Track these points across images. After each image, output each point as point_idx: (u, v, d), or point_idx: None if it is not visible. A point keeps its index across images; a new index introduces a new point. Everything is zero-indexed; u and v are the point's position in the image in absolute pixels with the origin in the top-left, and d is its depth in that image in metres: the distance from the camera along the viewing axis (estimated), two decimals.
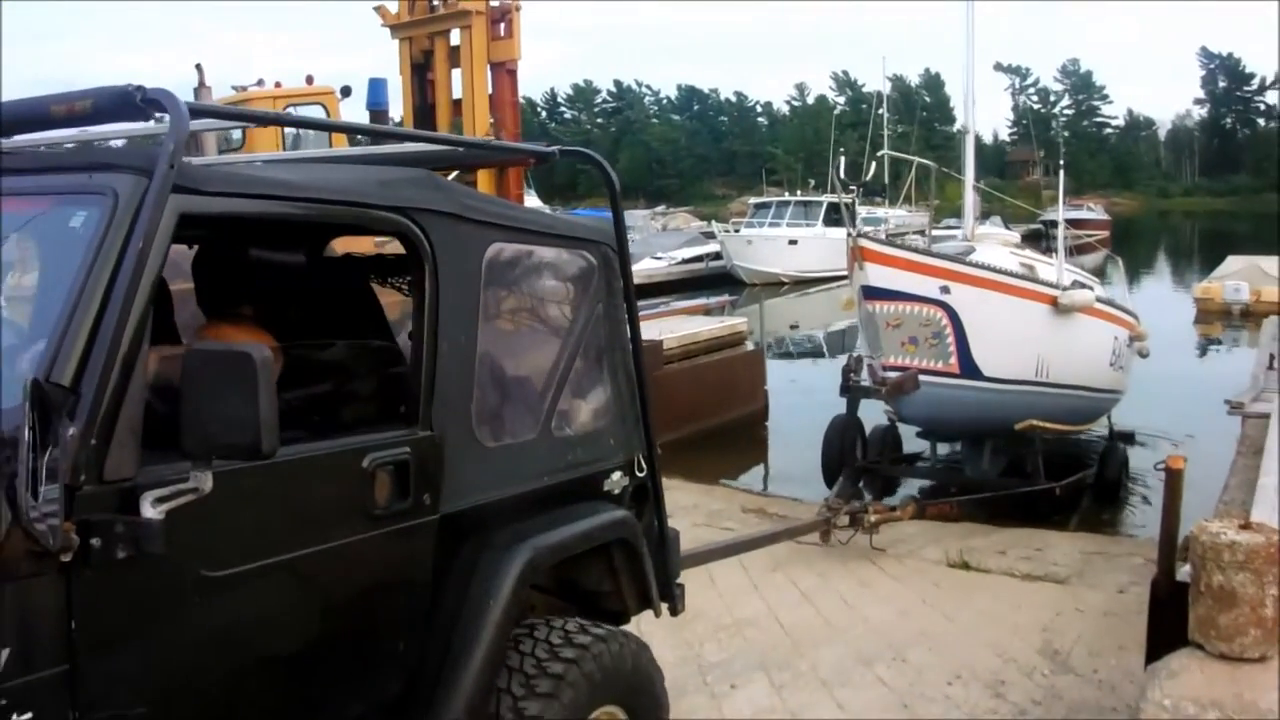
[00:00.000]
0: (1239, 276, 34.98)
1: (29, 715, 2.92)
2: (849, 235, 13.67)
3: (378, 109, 15.18)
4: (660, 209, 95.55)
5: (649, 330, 18.30)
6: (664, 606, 5.53)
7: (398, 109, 15.46)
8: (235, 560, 3.47)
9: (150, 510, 3.05)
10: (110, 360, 3.00)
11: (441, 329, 4.19)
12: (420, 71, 15.25)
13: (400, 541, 4.05)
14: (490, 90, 14.67)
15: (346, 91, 16.69)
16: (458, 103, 14.80)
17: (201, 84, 13.12)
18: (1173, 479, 6.41)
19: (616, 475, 5.25)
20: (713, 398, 18.77)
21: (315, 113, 16.66)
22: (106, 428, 3.01)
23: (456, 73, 14.82)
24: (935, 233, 26.03)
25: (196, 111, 3.72)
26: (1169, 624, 5.88)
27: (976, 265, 14.51)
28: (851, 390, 13.66)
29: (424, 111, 15.33)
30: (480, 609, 4.21)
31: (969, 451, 15.92)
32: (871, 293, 13.49)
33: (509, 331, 5.04)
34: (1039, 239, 37.65)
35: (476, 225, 4.45)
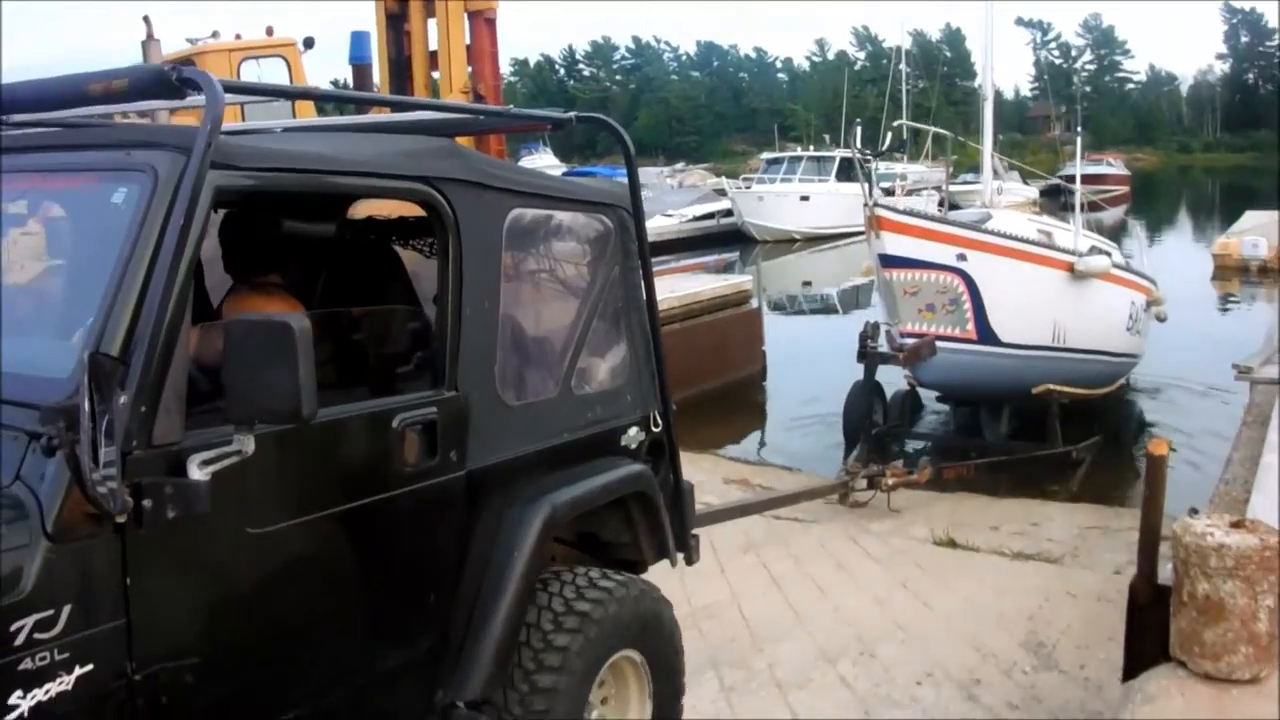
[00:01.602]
0: (1257, 232, 34.18)
1: (90, 666, 3.13)
2: (866, 205, 13.69)
3: (361, 63, 14.85)
4: (679, 166, 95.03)
5: None
6: (680, 556, 5.77)
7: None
8: (276, 518, 3.67)
9: (197, 472, 3.24)
10: (156, 331, 3.18)
11: (465, 293, 4.37)
12: (396, 23, 14.62)
13: (429, 497, 4.24)
14: (468, 41, 14.17)
15: (309, 43, 16.04)
16: (435, 55, 14.32)
17: (150, 36, 12.36)
18: (1154, 467, 5.61)
19: (633, 431, 5.44)
20: (708, 360, 18.10)
21: (276, 66, 15.97)
22: (154, 395, 3.20)
23: (433, 23, 14.26)
24: (953, 188, 25.83)
25: (231, 89, 3.78)
26: (1150, 634, 5.16)
27: (993, 233, 14.61)
28: (869, 356, 13.83)
29: (400, 64, 14.77)
30: (505, 561, 4.42)
31: (987, 415, 15.91)
32: (889, 261, 13.63)
33: (530, 294, 5.25)
34: (1057, 194, 37.05)
35: (497, 192, 4.62)
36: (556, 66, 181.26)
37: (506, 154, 16.10)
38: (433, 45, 14.28)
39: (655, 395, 5.61)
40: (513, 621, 4.42)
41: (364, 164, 4.16)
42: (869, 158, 15.63)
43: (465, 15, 14.01)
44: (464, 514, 4.42)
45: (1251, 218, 36.25)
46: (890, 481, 11.66)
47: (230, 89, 3.69)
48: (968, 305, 13.84)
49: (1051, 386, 14.62)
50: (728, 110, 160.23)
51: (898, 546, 10.10)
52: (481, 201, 4.50)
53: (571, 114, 5.39)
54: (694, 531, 5.95)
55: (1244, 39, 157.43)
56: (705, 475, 12.76)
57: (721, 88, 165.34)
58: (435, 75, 14.43)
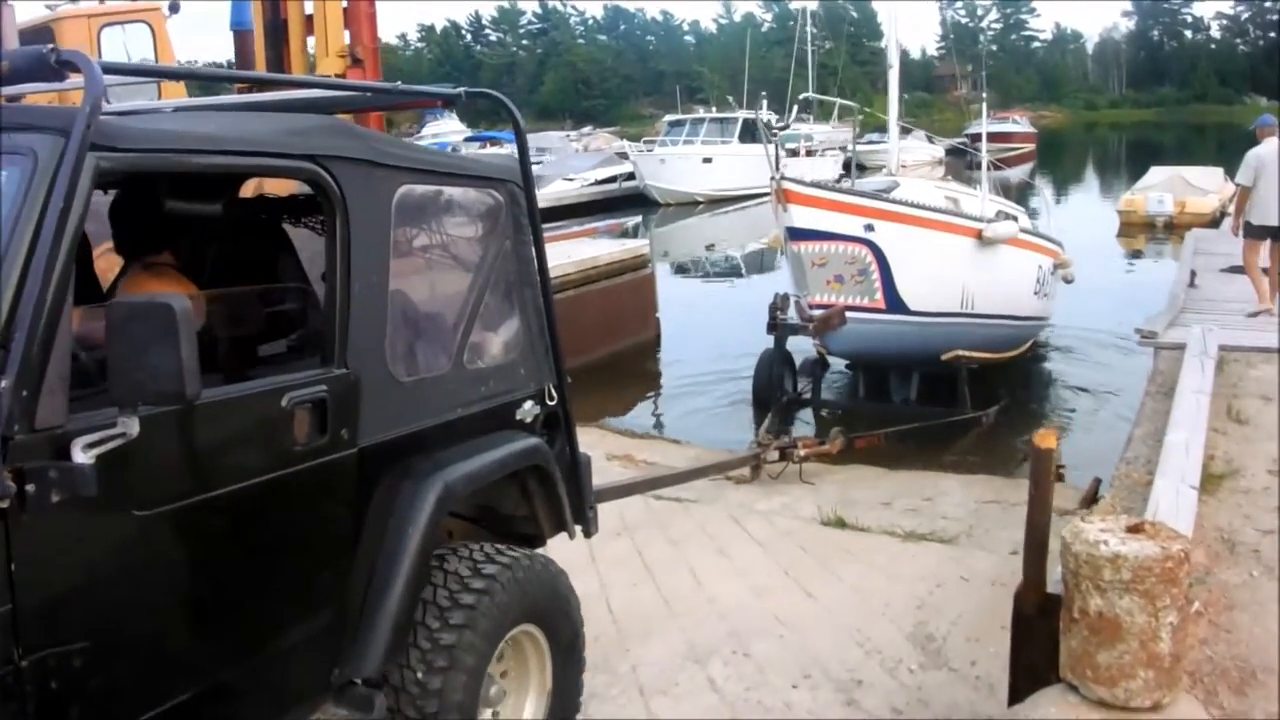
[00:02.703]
0: (1162, 188, 33.89)
1: None
2: (772, 178, 13.56)
3: (242, 29, 14.42)
4: (586, 130, 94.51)
5: None
6: (579, 530, 5.81)
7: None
8: (165, 499, 3.60)
9: (81, 455, 3.18)
10: (37, 314, 3.12)
11: (354, 270, 4.33)
12: None
13: (321, 475, 4.19)
14: (345, 4, 13.77)
15: (174, 8, 15.22)
16: (312, 19, 13.86)
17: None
18: (1040, 462, 4.92)
19: (528, 404, 5.44)
20: (596, 329, 17.55)
21: (140, 31, 15.10)
22: (36, 379, 3.13)
23: None
24: (859, 148, 25.81)
25: (110, 70, 3.74)
26: (1038, 648, 4.50)
27: (900, 202, 14.58)
28: (778, 328, 13.75)
29: (276, 28, 14.16)
30: (400, 537, 4.40)
31: (896, 380, 15.94)
32: (796, 234, 13.49)
33: (420, 270, 5.26)
34: (962, 154, 36.86)
35: (385, 169, 4.59)
36: (463, 33, 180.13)
37: (384, 128, 15.65)
38: (310, 9, 13.81)
39: (550, 368, 5.63)
40: (408, 598, 4.41)
41: (248, 143, 4.11)
42: (775, 131, 15.54)
43: None
44: (357, 491, 4.40)
45: (1156, 173, 35.99)
46: (802, 453, 11.65)
47: (110, 70, 3.71)
48: (876, 275, 13.78)
49: (960, 352, 14.67)
50: (635, 74, 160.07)
51: (783, 528, 9.40)
52: (370, 178, 4.48)
53: (460, 90, 5.38)
54: (593, 505, 6.04)
55: None
56: (588, 450, 12.08)
57: (629, 51, 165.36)
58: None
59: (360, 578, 4.39)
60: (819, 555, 8.61)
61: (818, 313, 13.47)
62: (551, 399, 5.60)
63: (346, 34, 13.84)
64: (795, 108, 25.11)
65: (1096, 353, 18.77)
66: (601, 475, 9.88)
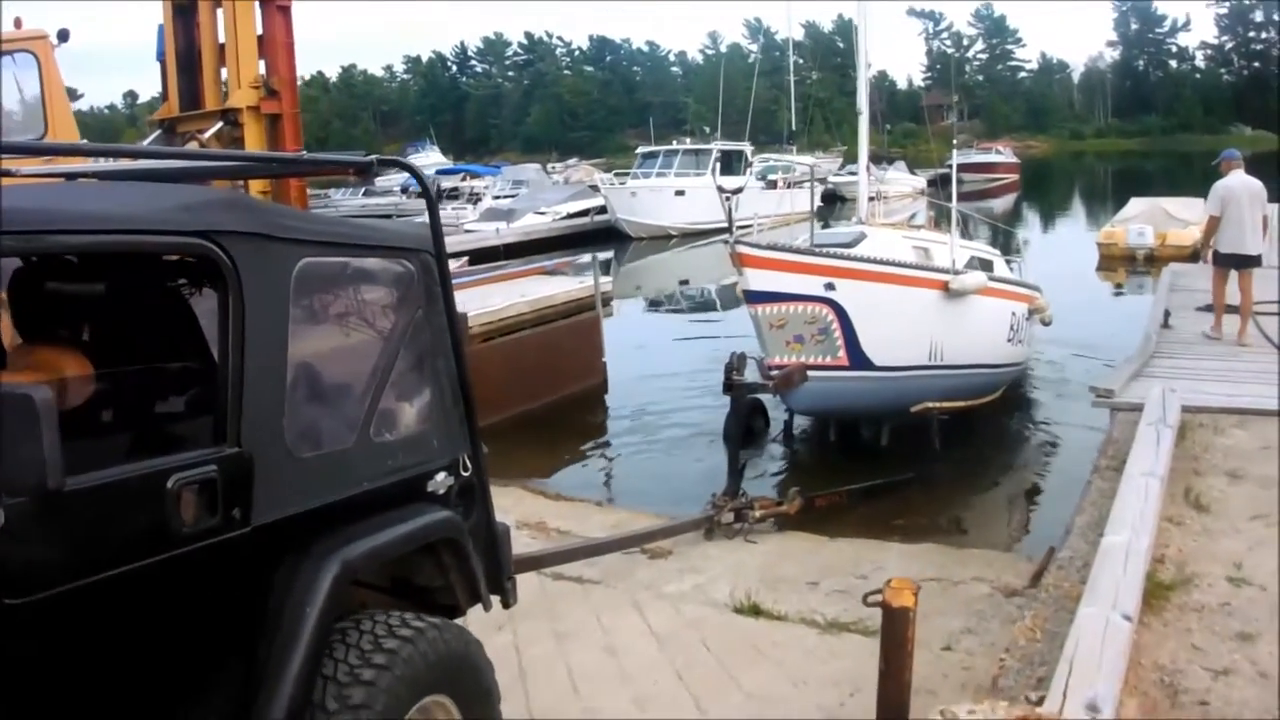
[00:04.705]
0: (1142, 219, 33.23)
1: None
2: (726, 242, 13.30)
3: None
4: (571, 162, 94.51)
5: (471, 299, 16.41)
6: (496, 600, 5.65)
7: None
8: (38, 587, 3.47)
9: None
10: None
11: (249, 347, 4.21)
12: (185, 13, 13.48)
13: (210, 557, 4.02)
14: (260, 31, 13.14)
15: (64, 36, 14.12)
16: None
17: None
18: (894, 625, 3.86)
19: (441, 476, 5.26)
20: (534, 377, 16.82)
21: (26, 62, 14.16)
22: None
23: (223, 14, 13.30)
24: (837, 179, 25.32)
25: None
26: None
27: (862, 259, 14.28)
28: (735, 388, 12.96)
29: (189, 56, 13.59)
30: (297, 615, 4.24)
31: (868, 428, 15.85)
32: (754, 296, 13.25)
33: (326, 342, 5.14)
34: (945, 184, 36.18)
35: (284, 243, 4.44)
36: (449, 64, 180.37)
37: (306, 194, 15.17)
38: (223, 37, 13.22)
39: (465, 438, 5.45)
40: (305, 677, 4.22)
41: (135, 220, 4.01)
42: (728, 196, 15.33)
43: (257, 2, 13.02)
44: (252, 571, 4.23)
45: (1136, 205, 35.16)
46: (759, 514, 11.26)
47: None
48: (838, 333, 13.58)
49: (930, 404, 14.53)
50: (621, 104, 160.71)
51: (689, 616, 8.37)
52: (265, 253, 4.33)
53: (372, 157, 5.12)
54: (511, 575, 5.88)
55: (1134, 26, 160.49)
56: (500, 515, 11.00)
57: (615, 82, 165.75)
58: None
59: (257, 657, 4.23)
60: (722, 653, 7.57)
61: (776, 373, 13.00)
62: (466, 469, 5.43)
63: (262, 64, 13.20)
64: (749, 170, 24.38)
65: (1073, 395, 17.51)
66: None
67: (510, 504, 11.40)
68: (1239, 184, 14.41)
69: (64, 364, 4.37)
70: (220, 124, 13.07)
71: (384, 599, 5.24)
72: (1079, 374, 18.31)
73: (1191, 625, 5.97)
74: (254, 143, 13.04)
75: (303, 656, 4.23)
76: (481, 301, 17.38)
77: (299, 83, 14.43)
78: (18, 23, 13.99)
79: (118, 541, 3.77)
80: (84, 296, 4.86)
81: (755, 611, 8.36)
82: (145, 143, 14.30)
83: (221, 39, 13.17)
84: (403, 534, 4.84)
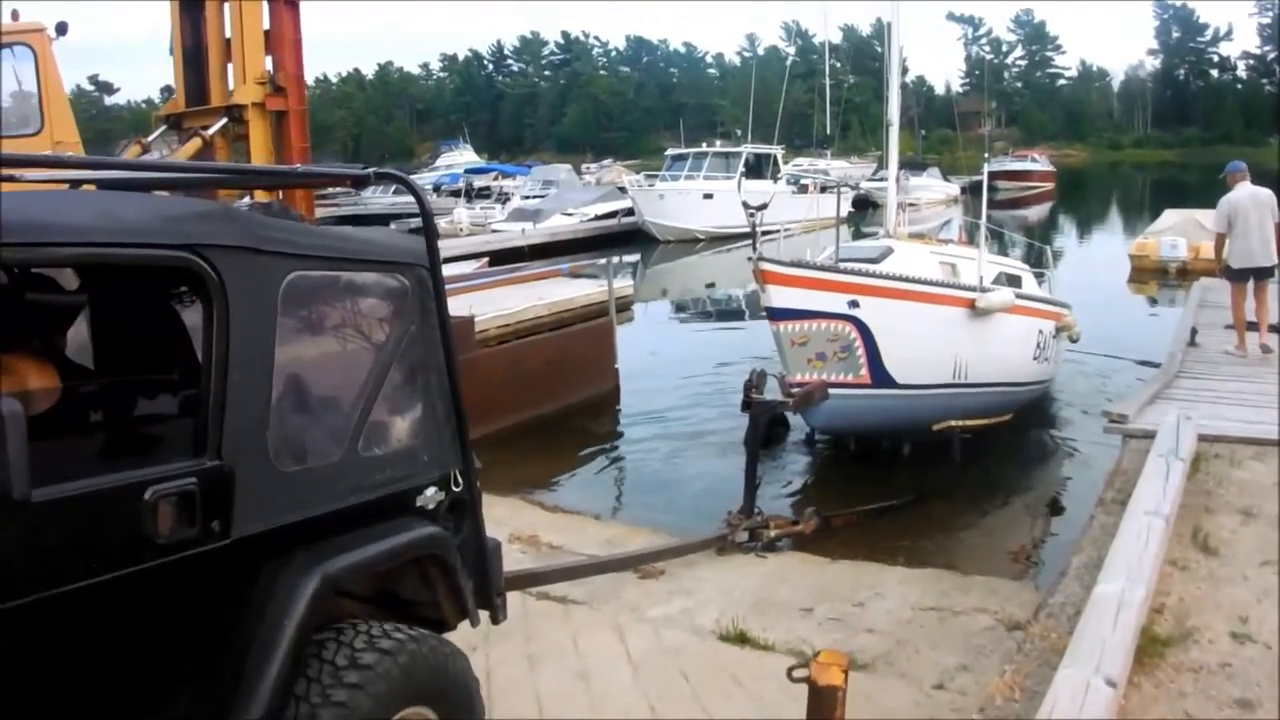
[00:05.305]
0: (1175, 231, 32.58)
1: None
2: (750, 259, 12.99)
3: None
4: (606, 163, 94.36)
5: (487, 301, 16.15)
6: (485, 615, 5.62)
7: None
8: (11, 595, 3.47)
9: None
10: None
11: (233, 360, 4.20)
12: (193, 8, 13.29)
13: (188, 568, 4.01)
14: (267, 26, 12.94)
15: (62, 29, 13.92)
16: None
17: None
18: (820, 702, 3.51)
19: (430, 491, 5.25)
20: (543, 382, 16.39)
21: (22, 55, 14.00)
22: None
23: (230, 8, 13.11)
24: (870, 184, 25.17)
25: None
26: None
27: (887, 276, 14.07)
28: (754, 405, 12.74)
29: (196, 53, 13.39)
30: (276, 626, 4.24)
31: (889, 443, 15.51)
32: (776, 314, 12.99)
33: (313, 356, 5.08)
34: (979, 191, 35.84)
35: (273, 256, 4.42)
36: (485, 62, 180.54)
37: (313, 201, 14.90)
38: (230, 32, 13.04)
39: (456, 453, 5.39)
40: (280, 690, 4.22)
41: (119, 232, 3.98)
42: (752, 212, 14.48)
43: None
44: (231, 583, 4.23)
45: (1170, 216, 34.48)
46: (773, 533, 11.17)
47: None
48: (860, 351, 13.37)
49: (953, 422, 14.42)
50: (656, 106, 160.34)
51: (670, 643, 7.95)
52: (254, 266, 4.32)
53: (369, 170, 5.19)
54: (501, 591, 5.82)
55: (1175, 34, 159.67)
56: (493, 526, 10.67)
57: (650, 84, 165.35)
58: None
59: (231, 666, 4.22)
60: (698, 685, 7.16)
61: (796, 390, 12.82)
62: (458, 484, 5.38)
63: (269, 60, 13.02)
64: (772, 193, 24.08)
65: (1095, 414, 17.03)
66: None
67: (506, 515, 11.19)
68: (1244, 196, 14.38)
69: (34, 374, 4.38)
70: (224, 120, 12.89)
71: (371, 611, 5.16)
72: (1117, 386, 18.16)
73: (1186, 688, 5.49)
74: (259, 139, 12.93)
75: (278, 668, 4.22)
76: (498, 304, 17.14)
77: (309, 81, 14.24)
78: (15, 15, 13.88)
79: (92, 551, 3.77)
80: (61, 306, 4.88)
81: (741, 639, 7.95)
82: (150, 138, 14.00)
83: (229, 34, 13.00)
84: (386, 549, 4.82)
